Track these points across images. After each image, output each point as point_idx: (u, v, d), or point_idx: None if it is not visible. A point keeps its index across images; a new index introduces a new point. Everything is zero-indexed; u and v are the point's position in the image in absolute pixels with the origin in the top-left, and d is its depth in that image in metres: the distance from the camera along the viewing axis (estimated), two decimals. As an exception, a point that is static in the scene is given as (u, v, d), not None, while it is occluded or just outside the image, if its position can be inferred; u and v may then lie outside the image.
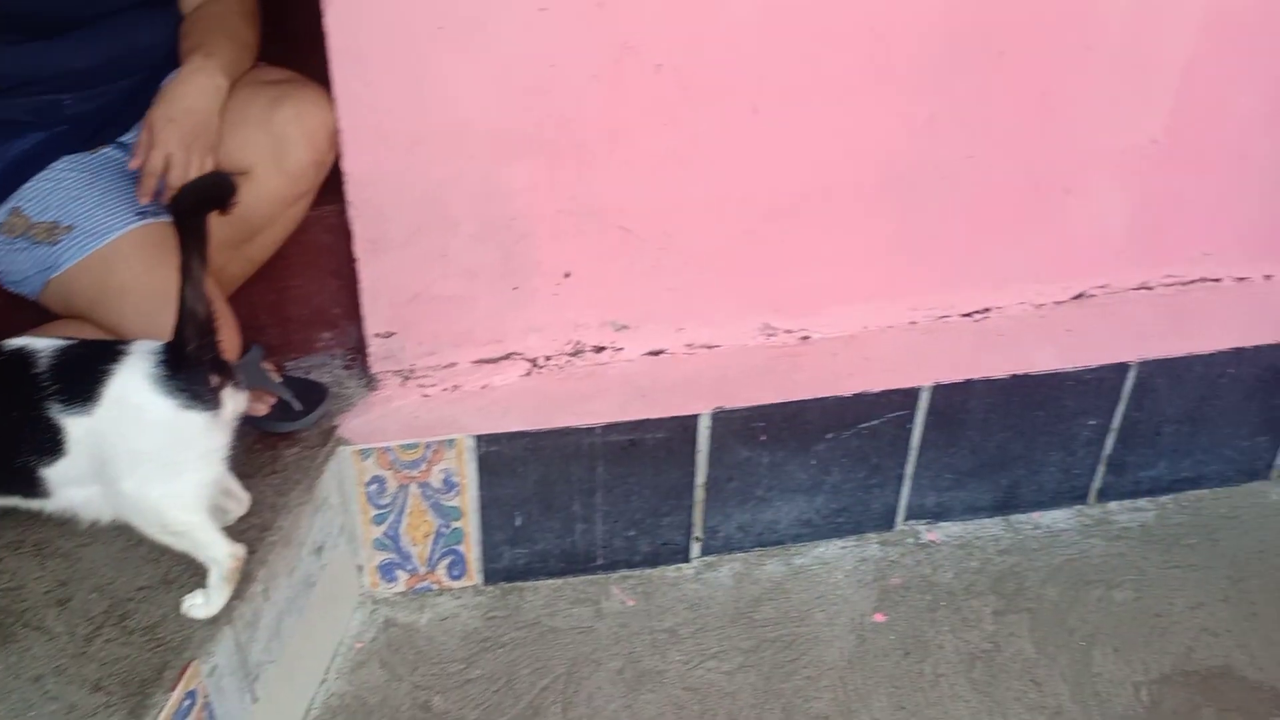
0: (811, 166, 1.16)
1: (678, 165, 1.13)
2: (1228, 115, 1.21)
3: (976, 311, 1.30)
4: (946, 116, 1.16)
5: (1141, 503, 1.35)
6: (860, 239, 1.23)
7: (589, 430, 1.15)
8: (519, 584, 1.22)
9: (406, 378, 1.17)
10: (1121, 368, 1.25)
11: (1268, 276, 1.34)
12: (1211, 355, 1.26)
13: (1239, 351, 1.26)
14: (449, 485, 1.14)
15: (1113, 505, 1.34)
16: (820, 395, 1.20)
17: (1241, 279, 1.34)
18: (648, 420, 1.17)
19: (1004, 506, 1.32)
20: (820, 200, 1.19)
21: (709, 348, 1.25)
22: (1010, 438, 1.27)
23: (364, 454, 1.11)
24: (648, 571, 1.25)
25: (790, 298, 1.25)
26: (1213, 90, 1.19)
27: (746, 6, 1.05)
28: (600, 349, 1.22)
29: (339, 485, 1.11)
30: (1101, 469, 1.31)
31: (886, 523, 1.30)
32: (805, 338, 1.27)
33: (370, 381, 1.17)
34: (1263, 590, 1.25)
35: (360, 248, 1.08)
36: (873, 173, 1.18)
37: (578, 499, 1.19)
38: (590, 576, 1.24)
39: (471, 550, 1.19)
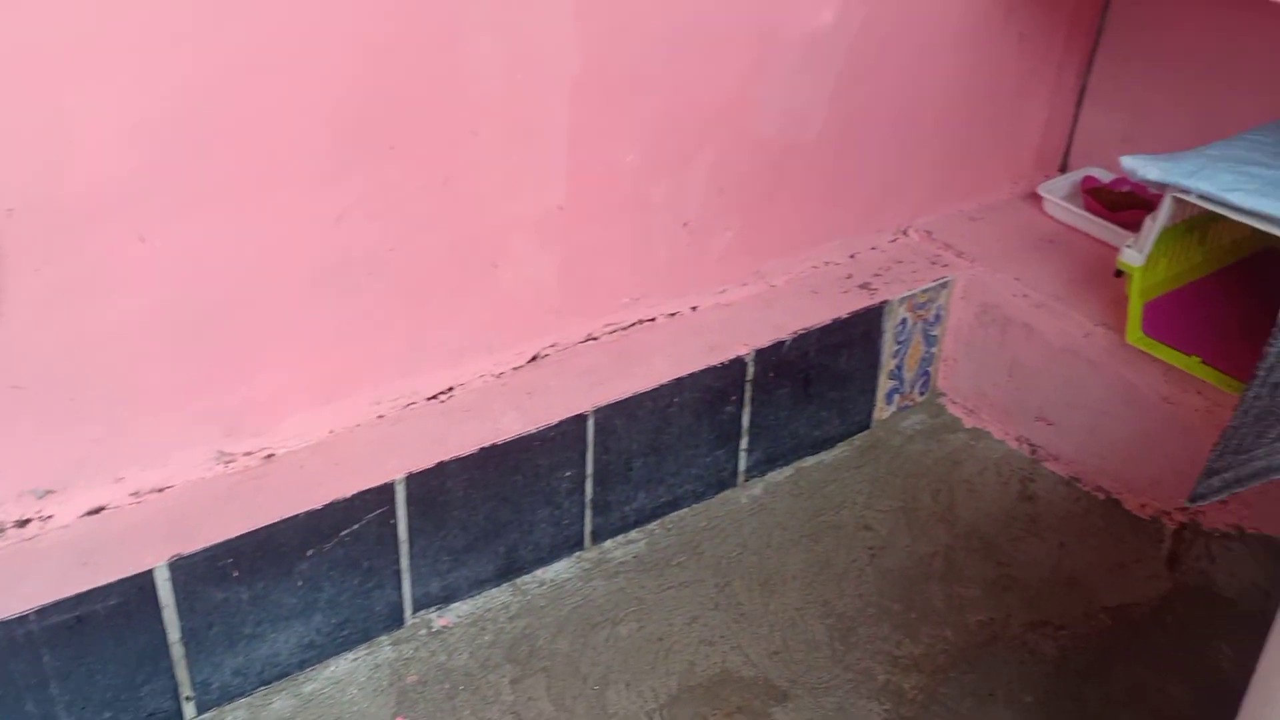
0: (226, 281, 1.11)
1: (67, 306, 1.03)
2: (618, 173, 1.33)
3: (441, 392, 1.32)
4: (356, 213, 1.16)
5: (632, 534, 1.44)
6: (303, 343, 1.20)
7: (22, 619, 1.01)
8: (-27, 815, 1.05)
9: None
10: (581, 418, 1.32)
11: (694, 308, 1.49)
12: (657, 389, 1.37)
13: (679, 381, 1.38)
14: None
15: (607, 544, 1.42)
16: (291, 514, 1.15)
17: (673, 314, 1.48)
18: (95, 590, 1.05)
19: (508, 572, 1.34)
20: (248, 313, 1.14)
21: (159, 491, 1.15)
22: (497, 506, 1.30)
23: None
24: (136, 751, 1.13)
25: (242, 417, 1.19)
26: (598, 153, 1.30)
27: (107, 133, 0.98)
28: (24, 522, 1.08)
29: None
30: (589, 513, 1.38)
31: (396, 621, 1.27)
32: (269, 456, 1.22)
33: None
34: (746, 589, 1.37)
35: None
36: (297, 276, 1.16)
37: (29, 697, 1.04)
38: (65, 778, 1.09)
39: (-103, 796, 1.00)
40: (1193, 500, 0.72)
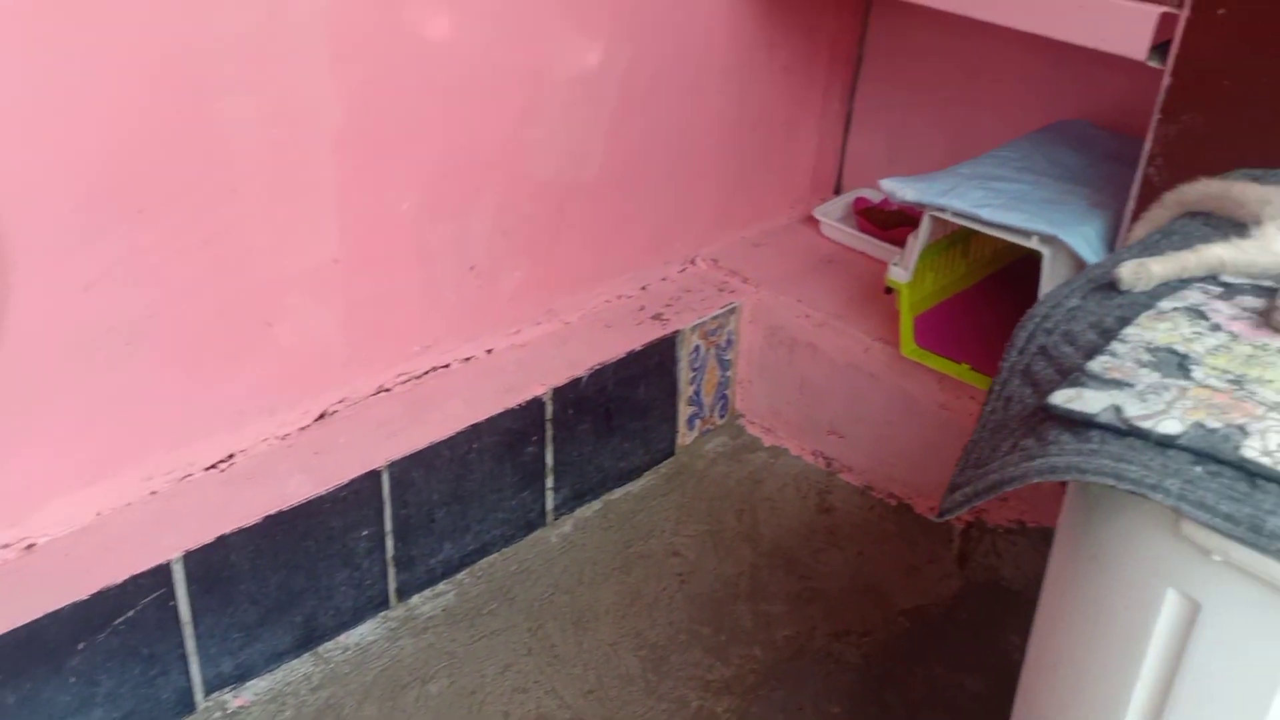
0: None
1: None
2: (396, 221, 1.31)
3: (220, 461, 1.26)
4: (108, 280, 1.10)
5: (441, 586, 1.40)
6: (60, 421, 1.12)
7: None
8: None
9: None
10: (375, 474, 1.28)
11: (489, 351, 1.48)
12: (454, 436, 1.34)
13: (477, 426, 1.37)
14: None
15: (414, 599, 1.38)
16: (55, 607, 1.07)
17: (467, 359, 1.46)
18: None
19: (308, 641, 1.29)
20: (-9, 398, 1.06)
21: (-99, 597, 1.06)
22: (289, 575, 1.24)
23: None
24: None
25: (-4, 508, 1.11)
26: (372, 203, 1.28)
27: None
28: None
29: None
30: (392, 570, 1.34)
31: (186, 707, 1.20)
32: (30, 546, 1.13)
33: None
34: (559, 630, 1.36)
35: None
36: (47, 351, 1.08)
37: None
38: None
39: None
40: (940, 515, 0.76)
